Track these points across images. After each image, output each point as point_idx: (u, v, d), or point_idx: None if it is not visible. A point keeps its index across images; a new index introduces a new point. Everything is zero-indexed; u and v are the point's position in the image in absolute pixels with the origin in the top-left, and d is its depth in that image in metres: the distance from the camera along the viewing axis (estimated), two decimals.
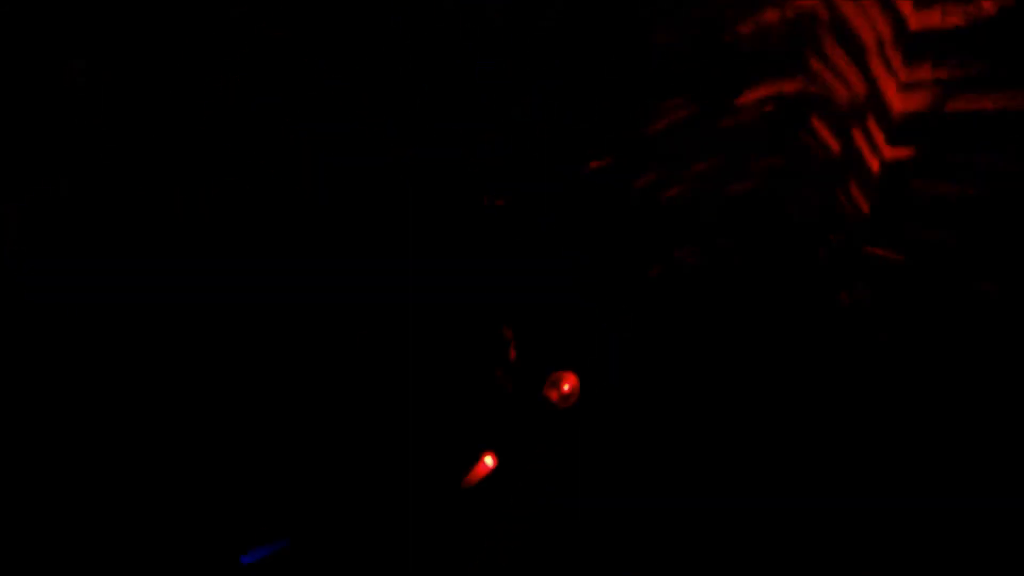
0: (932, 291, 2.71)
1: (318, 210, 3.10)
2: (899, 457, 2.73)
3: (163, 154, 2.97)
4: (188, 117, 2.96)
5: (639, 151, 3.27)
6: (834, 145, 2.98)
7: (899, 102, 2.56)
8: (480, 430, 2.96)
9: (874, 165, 2.75)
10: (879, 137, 2.71)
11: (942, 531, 2.54)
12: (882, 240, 2.84)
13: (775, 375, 3.04)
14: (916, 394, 2.78)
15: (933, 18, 2.39)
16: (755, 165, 3.24)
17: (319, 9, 2.97)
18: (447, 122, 3.12)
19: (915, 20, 2.44)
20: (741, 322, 3.17)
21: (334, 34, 3.00)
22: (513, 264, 3.14)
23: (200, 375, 2.90)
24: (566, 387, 3.07)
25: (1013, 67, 2.29)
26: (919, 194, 2.66)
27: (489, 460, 2.91)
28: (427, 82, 3.09)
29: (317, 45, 3.00)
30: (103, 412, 2.78)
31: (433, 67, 3.08)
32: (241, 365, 2.96)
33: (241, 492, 2.72)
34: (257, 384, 2.94)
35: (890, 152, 2.67)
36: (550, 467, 2.97)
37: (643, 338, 3.26)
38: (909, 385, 2.81)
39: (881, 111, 2.66)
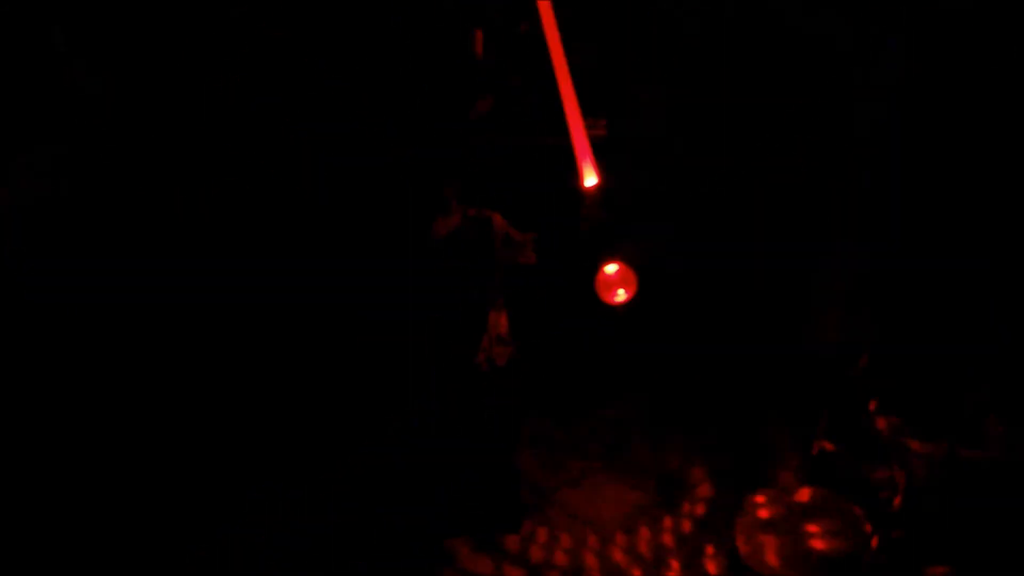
0: None
1: (318, 210, 3.10)
2: None
3: (163, 154, 2.97)
4: (188, 117, 2.97)
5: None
6: None
7: None
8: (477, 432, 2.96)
9: None
10: None
11: None
12: None
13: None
14: None
15: None
16: None
17: (319, 9, 2.98)
18: (447, 122, 3.12)
19: None
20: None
21: (334, 34, 3.01)
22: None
23: (200, 375, 2.90)
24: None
25: None
26: None
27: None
28: (427, 82, 3.09)
29: (317, 45, 3.01)
30: (103, 412, 2.78)
31: (433, 67, 3.08)
32: (241, 365, 2.96)
33: (240, 492, 2.72)
34: (257, 383, 2.94)
35: None
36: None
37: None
38: None
39: None
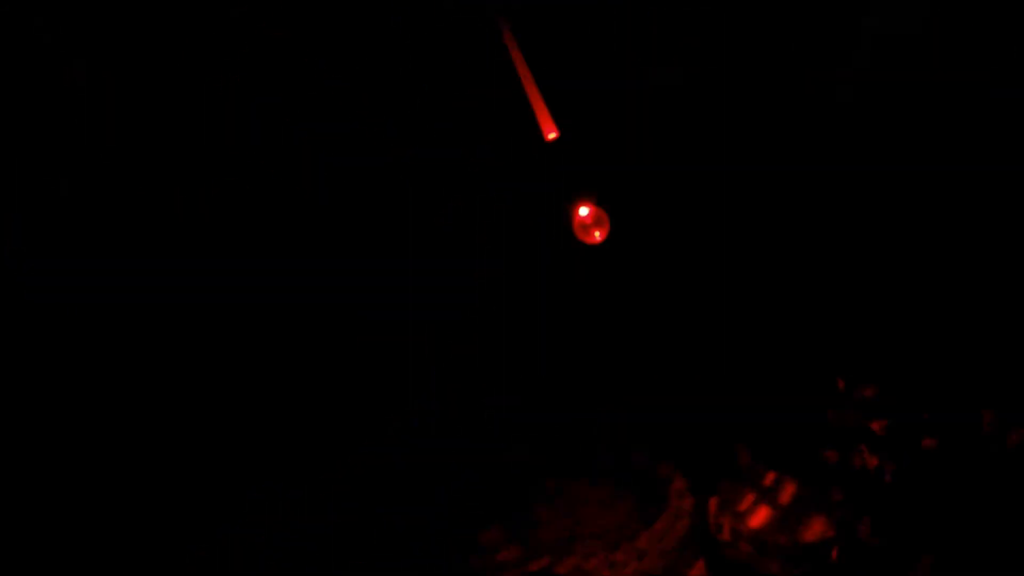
0: None
1: (318, 210, 3.11)
2: None
3: (163, 154, 2.97)
4: (188, 117, 2.96)
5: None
6: None
7: None
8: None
9: None
10: None
11: None
12: None
13: None
14: None
15: None
16: None
17: (319, 9, 2.97)
18: (447, 122, 3.12)
19: None
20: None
21: (334, 34, 3.00)
22: (513, 263, 3.14)
23: (200, 375, 2.90)
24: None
25: None
26: None
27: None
28: (427, 82, 3.09)
29: (317, 45, 3.00)
30: (103, 412, 2.78)
31: (433, 67, 3.08)
32: (241, 365, 2.96)
33: (240, 492, 2.72)
34: (257, 384, 2.94)
35: None
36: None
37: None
38: None
39: None
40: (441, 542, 2.67)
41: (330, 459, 2.86)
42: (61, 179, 2.88)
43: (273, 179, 3.07)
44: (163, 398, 2.84)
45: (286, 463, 2.81)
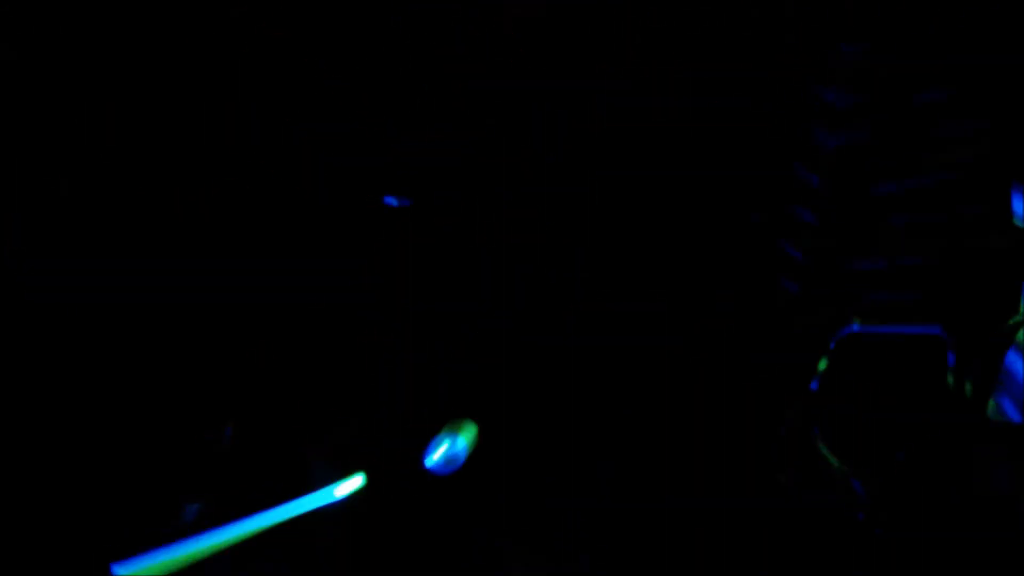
0: None
1: (318, 210, 3.11)
2: None
3: (163, 154, 2.97)
4: (188, 117, 2.97)
5: None
6: None
7: None
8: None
9: None
10: None
11: None
12: None
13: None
14: None
15: None
16: None
17: (319, 9, 2.98)
18: (447, 122, 3.12)
19: None
20: None
21: (334, 34, 3.01)
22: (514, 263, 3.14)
23: (200, 375, 2.90)
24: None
25: None
26: None
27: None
28: (427, 82, 3.10)
29: (317, 45, 3.01)
30: (103, 412, 2.78)
31: (433, 67, 3.09)
32: (241, 365, 2.96)
33: (238, 493, 2.72)
34: (256, 384, 2.94)
35: None
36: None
37: None
38: None
39: None
40: (441, 540, 2.67)
41: (330, 459, 2.86)
42: (61, 179, 2.88)
43: (273, 179, 3.07)
44: (163, 398, 2.84)
45: (286, 463, 2.81)
